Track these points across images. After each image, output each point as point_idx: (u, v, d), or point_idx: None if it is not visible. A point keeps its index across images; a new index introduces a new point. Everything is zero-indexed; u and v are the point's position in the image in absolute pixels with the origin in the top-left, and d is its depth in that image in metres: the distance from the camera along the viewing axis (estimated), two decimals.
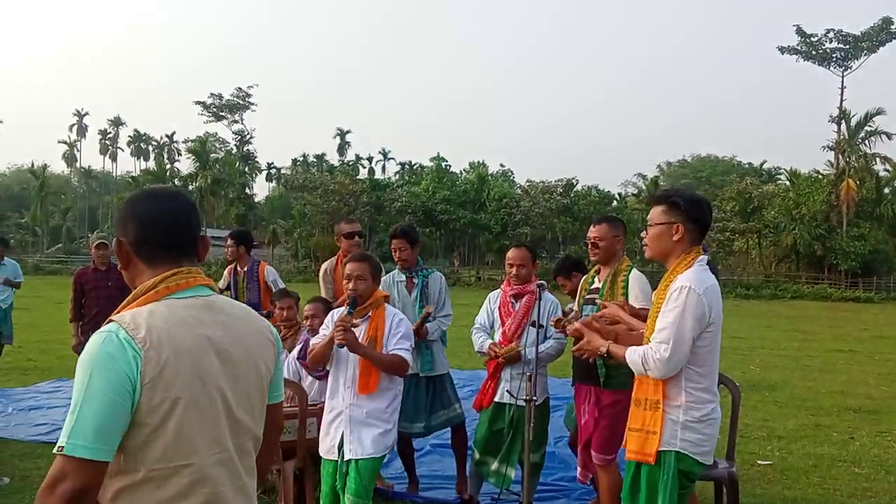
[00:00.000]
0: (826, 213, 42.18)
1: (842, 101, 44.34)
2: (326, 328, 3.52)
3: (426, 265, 4.98)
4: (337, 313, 3.56)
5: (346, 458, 3.38)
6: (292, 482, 4.08)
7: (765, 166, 63.04)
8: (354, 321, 3.38)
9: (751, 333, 17.40)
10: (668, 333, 2.72)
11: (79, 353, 6.07)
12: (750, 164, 70.03)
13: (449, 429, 5.23)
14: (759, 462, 5.78)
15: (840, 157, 43.10)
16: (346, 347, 3.29)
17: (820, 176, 45.49)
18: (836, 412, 7.91)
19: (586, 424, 3.97)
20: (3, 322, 8.70)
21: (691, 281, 2.76)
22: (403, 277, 4.83)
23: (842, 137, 43.17)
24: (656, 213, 2.97)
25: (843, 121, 43.29)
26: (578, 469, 4.23)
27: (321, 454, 3.53)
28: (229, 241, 6.89)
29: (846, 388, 9.52)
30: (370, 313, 3.49)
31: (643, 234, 3.10)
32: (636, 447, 2.86)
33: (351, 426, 3.39)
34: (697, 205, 2.95)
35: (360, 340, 3.39)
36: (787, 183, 48.67)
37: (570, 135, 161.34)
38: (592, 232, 4.08)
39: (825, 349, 14.31)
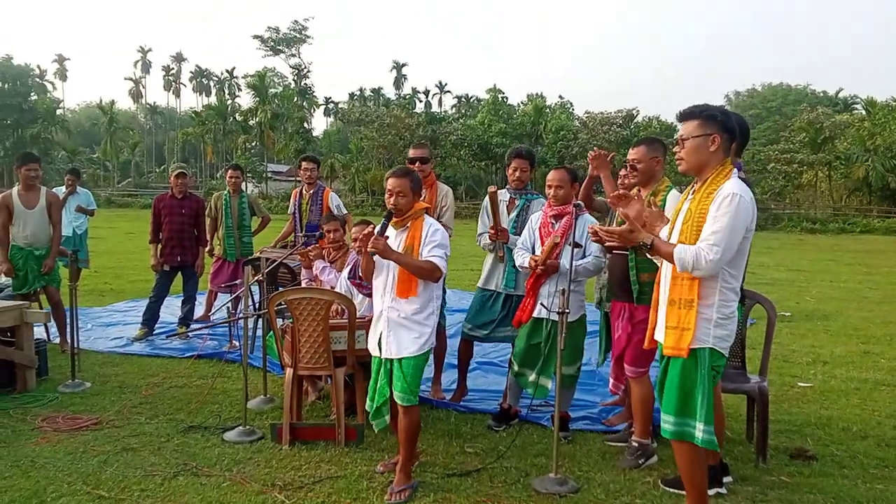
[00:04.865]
0: None
1: None
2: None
3: (534, 191, 5.11)
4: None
5: (384, 356, 3.65)
6: (343, 388, 4.40)
7: (840, 95, 59.65)
8: (387, 234, 3.59)
9: (811, 267, 17.04)
10: (720, 237, 2.90)
11: (157, 272, 6.63)
12: (824, 92, 66.43)
13: (497, 349, 5.50)
14: (799, 384, 5.85)
15: None
16: (377, 255, 3.51)
17: None
18: (888, 341, 7.82)
19: (619, 339, 4.13)
20: (80, 247, 9.30)
21: (740, 189, 2.95)
22: (507, 197, 5.02)
23: None
24: (692, 126, 3.10)
25: None
26: (610, 381, 4.41)
27: (369, 349, 3.82)
28: (310, 165, 7.19)
29: None
30: (409, 224, 3.68)
31: (675, 149, 3.19)
32: (672, 343, 3.05)
33: (389, 326, 3.63)
34: (729, 116, 3.13)
35: (398, 249, 3.60)
36: (863, 112, 46.10)
37: (634, 65, 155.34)
38: (631, 154, 4.14)
39: (888, 282, 13.92)
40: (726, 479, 3.71)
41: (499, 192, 5.05)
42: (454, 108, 77.67)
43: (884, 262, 18.73)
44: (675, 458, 3.23)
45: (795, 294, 11.72)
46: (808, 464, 4.08)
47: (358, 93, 79.23)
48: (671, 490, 3.65)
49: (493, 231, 4.80)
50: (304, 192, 7.23)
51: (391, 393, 3.66)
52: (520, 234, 4.83)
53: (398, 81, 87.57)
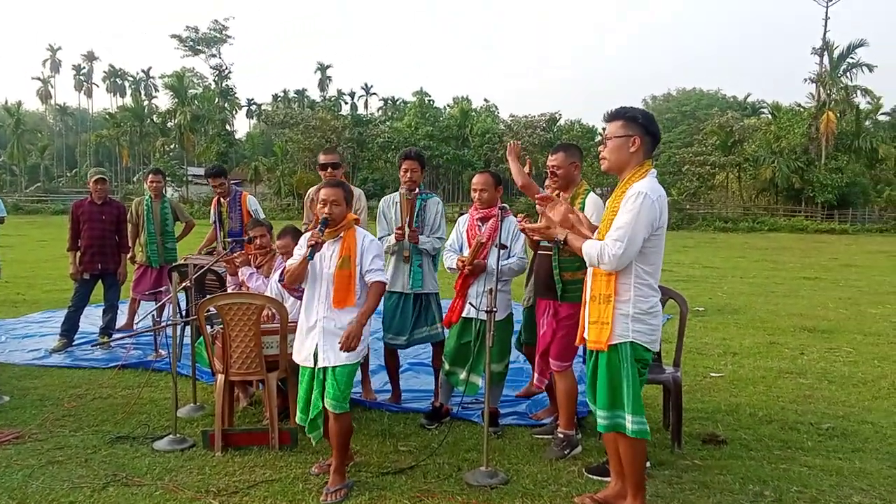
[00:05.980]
0: (805, 146, 42.51)
1: (825, 32, 43.98)
2: (301, 248, 3.77)
3: (427, 191, 5.23)
4: (309, 236, 3.80)
5: (321, 365, 3.67)
6: (276, 393, 4.42)
7: (749, 100, 62.86)
8: (324, 240, 3.64)
9: (724, 264, 17.94)
10: (623, 232, 3.07)
11: (76, 281, 6.38)
12: (734, 97, 69.90)
13: (427, 349, 5.61)
14: (711, 374, 6.22)
15: (821, 89, 43.12)
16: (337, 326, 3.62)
17: (801, 109, 45.60)
18: (792, 332, 8.38)
19: (544, 335, 4.31)
20: None
21: (647, 188, 3.11)
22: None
23: (823, 70, 43.07)
24: (615, 127, 3.27)
25: (825, 53, 43.11)
26: (535, 375, 4.60)
27: (296, 361, 3.84)
28: (219, 180, 7.08)
29: (806, 311, 10.01)
30: (342, 234, 3.74)
31: (600, 149, 3.38)
32: (594, 337, 3.23)
33: (324, 337, 3.65)
34: (652, 119, 3.30)
35: (332, 260, 3.66)
36: (769, 116, 48.77)
37: (557, 70, 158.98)
38: (550, 160, 4.35)
39: (792, 277, 14.84)
40: None
41: (392, 195, 5.21)
42: (380, 111, 77.50)
43: (789, 259, 19.92)
44: (603, 448, 3.43)
45: (709, 290, 12.34)
46: (719, 447, 4.38)
47: (282, 94, 78.04)
48: (594, 477, 3.85)
49: (399, 232, 4.91)
50: (221, 200, 7.19)
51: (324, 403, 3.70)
52: (422, 232, 4.98)
53: (323, 83, 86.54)
